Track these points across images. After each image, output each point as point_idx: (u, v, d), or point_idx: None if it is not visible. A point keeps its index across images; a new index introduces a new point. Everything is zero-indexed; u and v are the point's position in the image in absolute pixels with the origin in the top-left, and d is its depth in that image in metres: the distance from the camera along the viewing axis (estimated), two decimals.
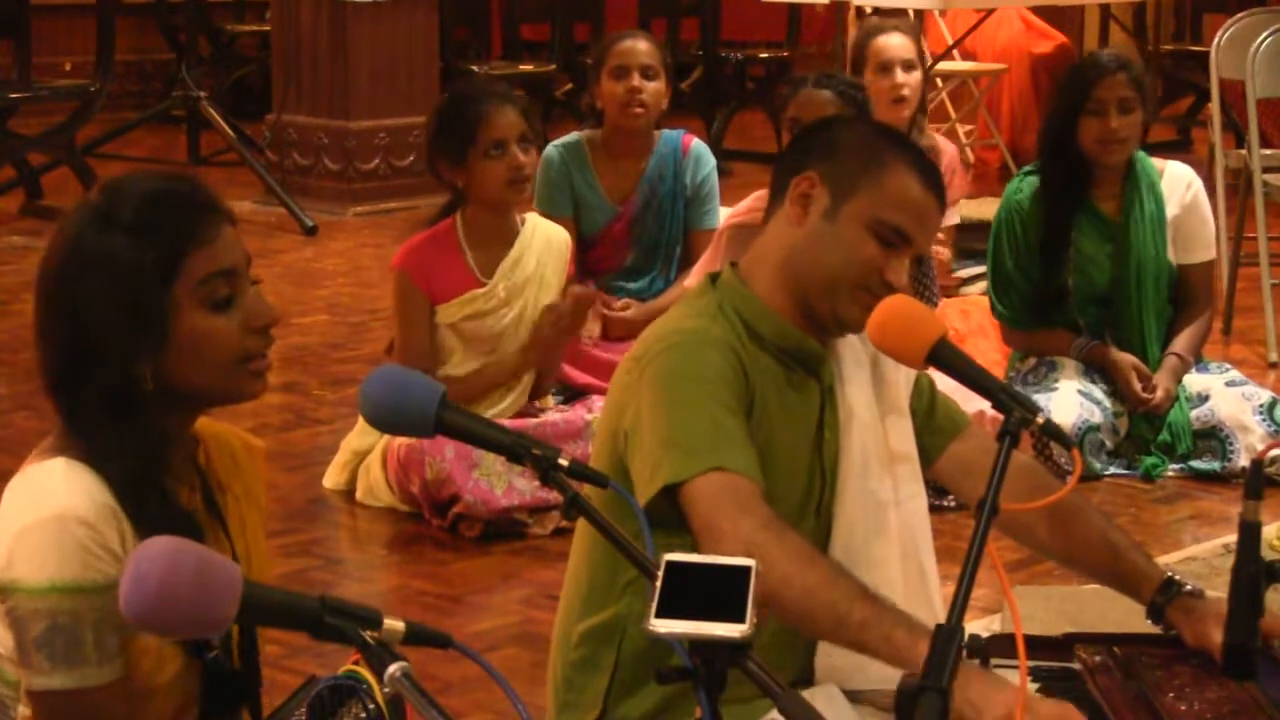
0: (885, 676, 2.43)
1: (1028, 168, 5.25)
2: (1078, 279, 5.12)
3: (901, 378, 2.81)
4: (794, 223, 2.70)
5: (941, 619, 2.09)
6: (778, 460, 2.66)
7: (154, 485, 2.24)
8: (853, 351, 2.78)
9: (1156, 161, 5.20)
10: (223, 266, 2.26)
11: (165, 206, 2.25)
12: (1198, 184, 5.22)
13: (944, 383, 2.75)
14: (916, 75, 5.72)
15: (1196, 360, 5.19)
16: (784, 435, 2.68)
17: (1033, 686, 2.58)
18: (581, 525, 2.79)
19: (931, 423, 2.88)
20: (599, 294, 5.37)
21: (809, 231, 2.68)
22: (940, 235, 5.77)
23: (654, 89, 5.42)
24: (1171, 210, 5.14)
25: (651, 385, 2.60)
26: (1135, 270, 5.09)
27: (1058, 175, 5.09)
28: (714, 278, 2.76)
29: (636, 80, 5.38)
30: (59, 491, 2.19)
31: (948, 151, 5.96)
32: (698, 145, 5.59)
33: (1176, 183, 5.17)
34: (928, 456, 2.89)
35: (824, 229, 2.67)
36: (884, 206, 2.64)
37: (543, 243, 4.84)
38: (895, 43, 5.72)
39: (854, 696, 2.66)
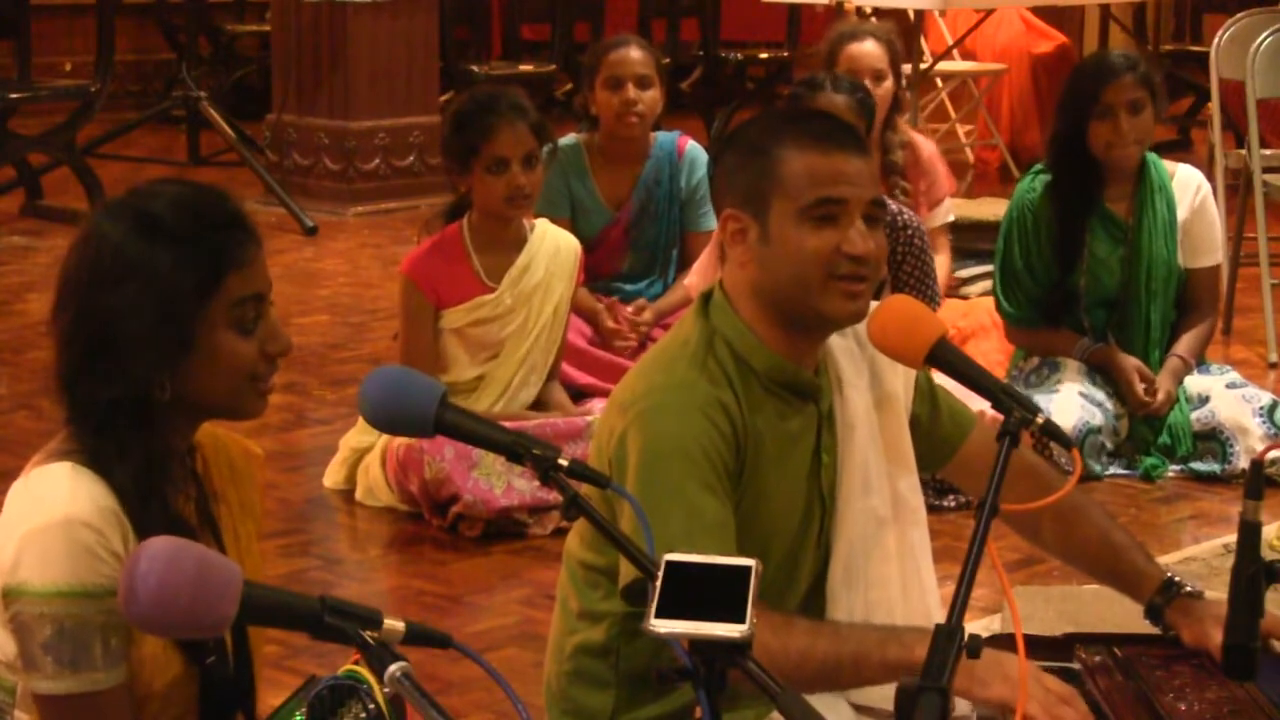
0: (885, 695, 2.43)
1: (1038, 166, 5.20)
2: (1089, 281, 5.10)
3: (900, 384, 2.78)
4: (742, 264, 2.65)
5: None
6: (774, 499, 2.65)
7: (155, 492, 2.25)
8: (851, 359, 2.75)
9: (1167, 164, 5.17)
10: (255, 290, 2.29)
11: (210, 223, 2.26)
12: (1206, 188, 5.20)
13: (944, 383, 2.75)
14: (885, 85, 5.47)
15: (1198, 362, 5.19)
16: (780, 473, 2.65)
17: None
18: (570, 539, 2.79)
19: (936, 429, 2.84)
20: (614, 304, 5.36)
21: (757, 263, 2.63)
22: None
23: (649, 98, 5.38)
24: (1181, 214, 5.12)
25: (633, 450, 2.57)
26: (1145, 273, 5.08)
27: (1069, 179, 5.06)
28: (706, 299, 2.71)
29: (632, 93, 5.35)
30: (64, 496, 2.20)
31: (925, 148, 5.84)
32: (692, 148, 5.57)
33: (1186, 186, 5.15)
34: (935, 462, 2.87)
35: (766, 253, 2.61)
36: (798, 195, 2.58)
37: (551, 250, 4.83)
38: (867, 49, 5.50)
39: (857, 706, 2.66)
